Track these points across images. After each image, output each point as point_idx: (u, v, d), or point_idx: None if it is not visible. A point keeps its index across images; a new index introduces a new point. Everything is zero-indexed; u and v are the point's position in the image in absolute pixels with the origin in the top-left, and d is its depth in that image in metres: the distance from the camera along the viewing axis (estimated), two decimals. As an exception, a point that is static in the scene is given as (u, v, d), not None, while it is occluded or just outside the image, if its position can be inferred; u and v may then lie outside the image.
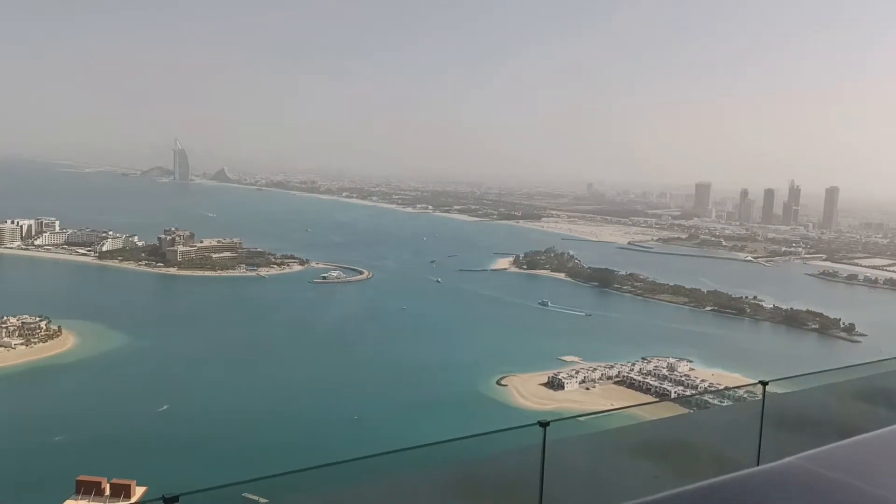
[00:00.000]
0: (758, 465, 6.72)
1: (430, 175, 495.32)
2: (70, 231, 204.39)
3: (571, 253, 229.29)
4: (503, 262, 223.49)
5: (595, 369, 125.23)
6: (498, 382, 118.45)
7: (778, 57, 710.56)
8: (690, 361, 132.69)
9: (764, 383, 7.43)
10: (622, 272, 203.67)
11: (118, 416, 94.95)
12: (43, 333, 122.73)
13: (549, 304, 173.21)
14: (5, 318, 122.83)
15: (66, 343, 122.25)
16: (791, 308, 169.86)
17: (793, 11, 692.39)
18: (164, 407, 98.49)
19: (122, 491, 50.10)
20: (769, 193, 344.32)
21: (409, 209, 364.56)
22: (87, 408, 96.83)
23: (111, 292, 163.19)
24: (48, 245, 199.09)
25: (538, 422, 5.74)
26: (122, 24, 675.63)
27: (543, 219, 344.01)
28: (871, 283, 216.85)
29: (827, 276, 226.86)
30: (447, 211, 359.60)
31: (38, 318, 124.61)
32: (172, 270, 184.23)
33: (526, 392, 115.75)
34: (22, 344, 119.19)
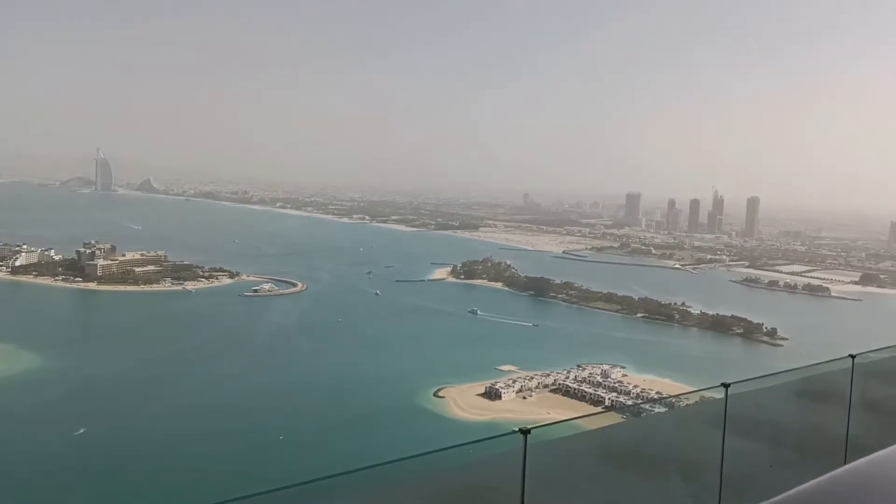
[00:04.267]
0: (722, 462, 7.39)
1: (366, 185, 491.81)
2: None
3: (508, 262, 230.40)
4: (441, 272, 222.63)
5: (532, 378, 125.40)
6: (435, 394, 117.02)
7: (707, 70, 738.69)
8: (624, 367, 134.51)
9: (726, 385, 7.68)
10: (558, 281, 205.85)
11: (30, 442, 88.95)
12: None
13: (479, 311, 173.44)
14: None
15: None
16: (717, 314, 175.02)
17: (735, 28, 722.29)
18: (81, 430, 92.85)
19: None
20: (694, 203, 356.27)
21: (345, 219, 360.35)
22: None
23: (23, 310, 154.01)
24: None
25: (518, 429, 5.72)
26: (42, 24, 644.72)
27: (481, 228, 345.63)
28: (791, 288, 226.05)
29: (750, 282, 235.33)
30: (384, 221, 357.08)
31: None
32: (92, 285, 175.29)
33: (463, 403, 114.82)
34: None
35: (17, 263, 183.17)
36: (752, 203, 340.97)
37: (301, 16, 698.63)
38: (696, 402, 9.73)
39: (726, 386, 7.67)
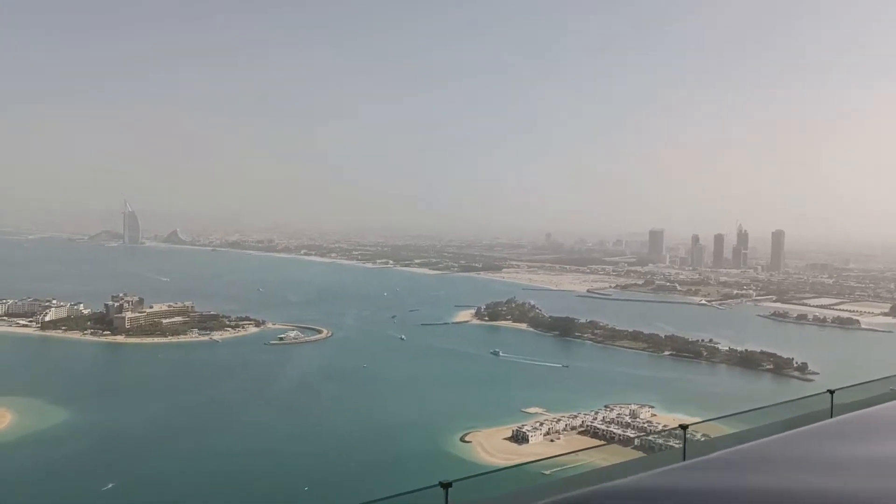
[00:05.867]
0: None
1: (389, 230, 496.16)
2: (10, 301, 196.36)
3: (532, 303, 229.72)
4: (465, 315, 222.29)
5: (559, 420, 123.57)
6: (462, 439, 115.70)
7: (725, 105, 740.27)
8: (652, 407, 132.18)
9: (684, 427, 7.85)
10: (582, 320, 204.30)
11: (58, 497, 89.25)
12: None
13: (501, 353, 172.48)
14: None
15: (3, 421, 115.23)
16: (745, 349, 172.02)
17: (753, 60, 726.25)
18: (109, 485, 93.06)
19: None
20: (719, 238, 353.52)
21: (369, 264, 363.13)
22: (23, 490, 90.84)
23: (52, 364, 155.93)
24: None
25: (439, 483, 5.18)
26: (67, 86, 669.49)
27: (504, 269, 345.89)
28: (820, 322, 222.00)
29: (778, 316, 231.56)
30: (408, 265, 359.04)
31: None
32: (120, 338, 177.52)
33: (490, 448, 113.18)
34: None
35: (47, 319, 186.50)
36: (777, 237, 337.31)
37: (322, 66, 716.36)
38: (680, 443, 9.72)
39: (684, 428, 7.56)
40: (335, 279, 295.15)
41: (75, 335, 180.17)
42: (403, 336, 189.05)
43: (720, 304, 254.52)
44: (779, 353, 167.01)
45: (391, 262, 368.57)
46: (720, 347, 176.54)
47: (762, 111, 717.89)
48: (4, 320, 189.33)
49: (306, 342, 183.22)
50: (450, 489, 5.34)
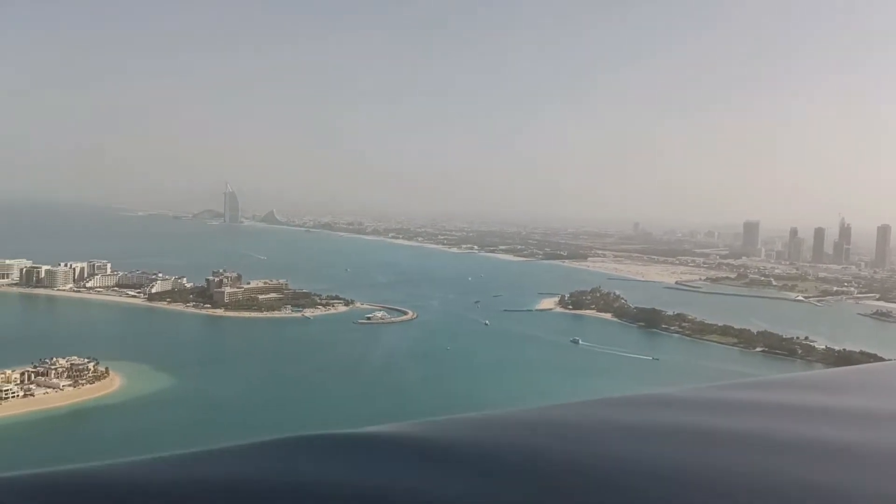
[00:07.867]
0: None
1: (475, 216, 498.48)
2: (121, 273, 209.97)
3: (618, 293, 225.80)
4: (548, 303, 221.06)
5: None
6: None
7: (825, 95, 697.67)
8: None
9: None
10: (669, 312, 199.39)
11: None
12: (91, 375, 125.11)
13: (581, 341, 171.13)
14: (55, 359, 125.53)
15: (113, 384, 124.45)
16: (844, 349, 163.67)
17: (847, 50, 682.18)
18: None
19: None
20: (819, 232, 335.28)
21: (454, 249, 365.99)
22: (129, 449, 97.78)
23: (158, 333, 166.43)
24: (99, 287, 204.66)
25: None
26: (173, 74, 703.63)
27: (589, 258, 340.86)
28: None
29: (881, 315, 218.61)
30: (492, 251, 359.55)
31: (86, 360, 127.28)
32: (219, 312, 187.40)
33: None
34: (70, 385, 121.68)
35: (153, 291, 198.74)
36: (883, 231, 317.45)
37: (379, 51, 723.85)
38: None
39: None
40: (421, 263, 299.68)
41: (179, 307, 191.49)
42: (487, 322, 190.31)
43: (818, 301, 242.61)
44: (880, 354, 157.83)
45: (476, 247, 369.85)
46: (816, 346, 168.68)
47: (866, 96, 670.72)
48: (116, 290, 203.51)
49: (392, 323, 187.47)
50: None
